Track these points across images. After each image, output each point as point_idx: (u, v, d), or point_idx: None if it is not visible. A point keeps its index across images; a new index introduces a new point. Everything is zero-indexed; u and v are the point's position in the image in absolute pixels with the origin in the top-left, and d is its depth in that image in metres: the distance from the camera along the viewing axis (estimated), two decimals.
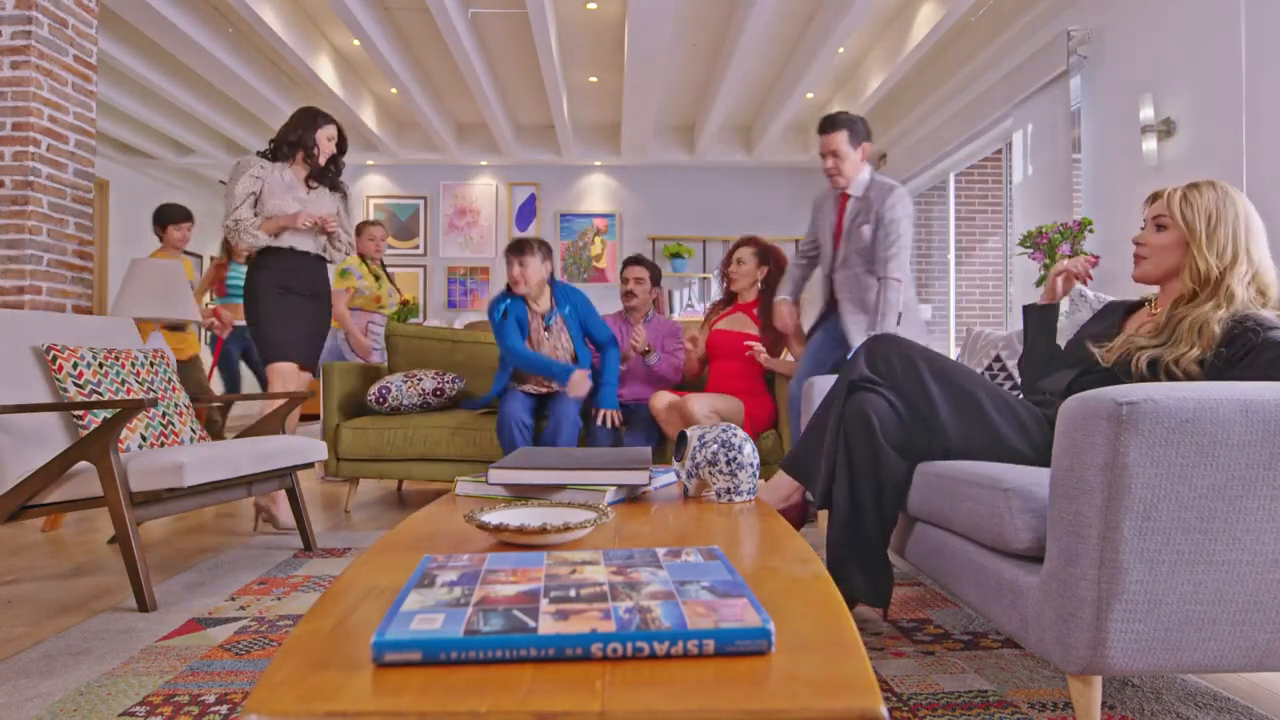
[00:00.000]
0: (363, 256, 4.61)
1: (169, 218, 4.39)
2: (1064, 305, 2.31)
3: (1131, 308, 1.81)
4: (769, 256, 3.43)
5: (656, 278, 3.72)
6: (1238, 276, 1.51)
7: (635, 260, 3.70)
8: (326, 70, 5.72)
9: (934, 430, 1.68)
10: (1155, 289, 1.73)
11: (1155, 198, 1.66)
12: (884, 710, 0.59)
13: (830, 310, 3.14)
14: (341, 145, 3.23)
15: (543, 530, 1.05)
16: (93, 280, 3.63)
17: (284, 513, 3.00)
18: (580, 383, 3.22)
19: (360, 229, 4.56)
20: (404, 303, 5.05)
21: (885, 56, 5.58)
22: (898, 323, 2.87)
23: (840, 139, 2.96)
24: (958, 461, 1.61)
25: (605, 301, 7.17)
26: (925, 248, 6.89)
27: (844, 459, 1.70)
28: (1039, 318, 1.96)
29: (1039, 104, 4.64)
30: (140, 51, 5.41)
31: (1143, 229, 1.68)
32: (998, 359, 2.49)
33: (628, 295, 3.66)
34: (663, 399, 3.21)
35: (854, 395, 1.73)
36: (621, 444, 3.29)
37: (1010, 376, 2.43)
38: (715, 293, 7.65)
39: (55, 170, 3.42)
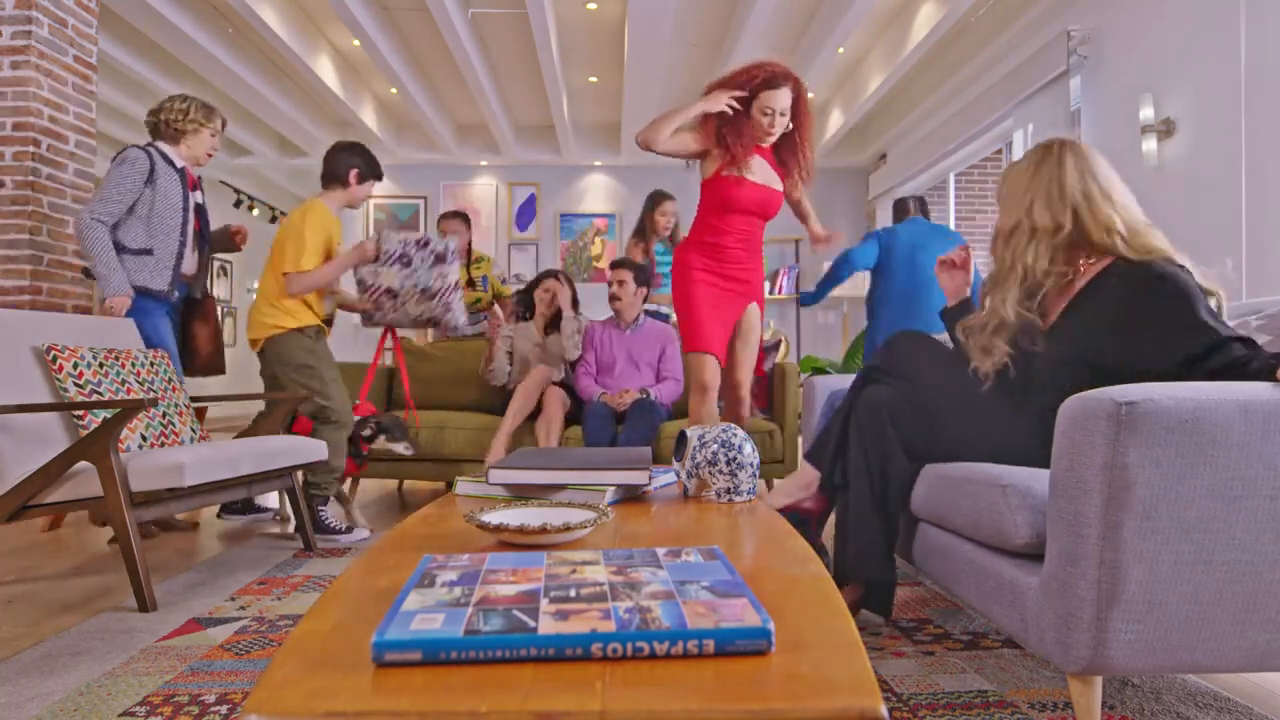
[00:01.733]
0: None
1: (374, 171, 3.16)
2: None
3: None
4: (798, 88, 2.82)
5: (643, 279, 3.64)
6: (1012, 243, 1.60)
7: (619, 263, 3.67)
8: (326, 70, 5.72)
9: (941, 428, 1.69)
10: None
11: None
12: (884, 710, 0.59)
13: None
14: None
15: (543, 530, 1.05)
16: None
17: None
18: None
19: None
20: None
21: (885, 56, 5.58)
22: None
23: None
24: (960, 463, 1.61)
25: (605, 302, 7.16)
26: None
27: (855, 448, 1.72)
28: (955, 318, 1.90)
29: (1039, 104, 4.64)
30: (140, 51, 5.41)
31: None
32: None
33: (613, 299, 3.63)
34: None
35: (867, 385, 1.75)
36: (616, 442, 3.28)
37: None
38: None
39: (55, 170, 3.42)
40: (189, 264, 2.99)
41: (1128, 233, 1.52)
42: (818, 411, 2.28)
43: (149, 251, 2.84)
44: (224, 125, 3.03)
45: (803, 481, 1.95)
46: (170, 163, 2.87)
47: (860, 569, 1.69)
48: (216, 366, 3.16)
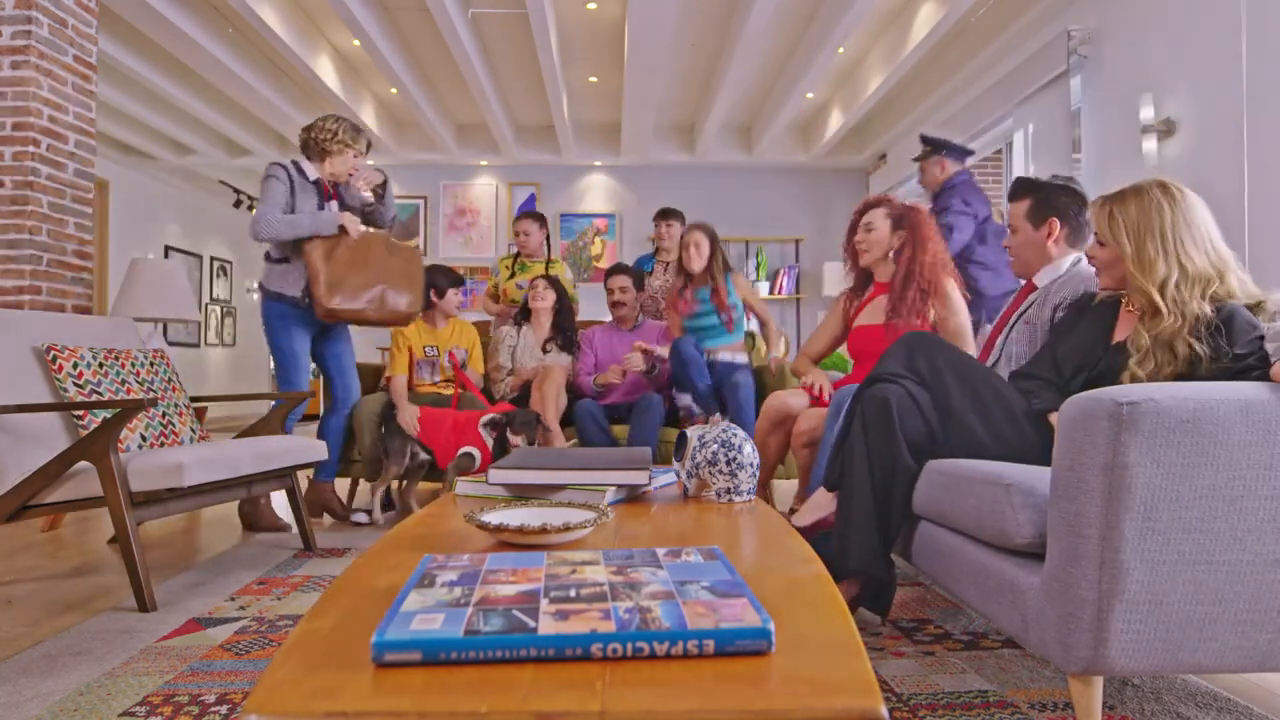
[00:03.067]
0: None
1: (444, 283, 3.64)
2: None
3: (1112, 306, 1.75)
4: (905, 219, 2.66)
5: (640, 283, 3.73)
6: (1172, 291, 1.48)
7: (618, 270, 3.69)
8: (326, 70, 5.72)
9: (955, 428, 1.70)
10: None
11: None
12: (884, 710, 0.59)
13: None
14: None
15: (543, 530, 1.05)
16: (93, 280, 3.63)
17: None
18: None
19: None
20: None
21: (885, 56, 5.58)
22: None
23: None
24: (963, 460, 1.61)
25: (605, 303, 7.15)
26: None
27: (859, 444, 1.72)
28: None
29: (1039, 104, 4.64)
30: (140, 51, 5.41)
31: (1089, 242, 1.69)
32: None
33: (616, 305, 3.64)
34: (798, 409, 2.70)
35: (875, 384, 1.75)
36: (616, 442, 3.28)
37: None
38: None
39: (55, 170, 3.42)
40: None
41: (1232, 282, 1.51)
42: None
43: (285, 260, 3.04)
44: (369, 148, 3.25)
45: (829, 497, 1.94)
46: (305, 175, 3.07)
47: (858, 564, 1.69)
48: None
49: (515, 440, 3.09)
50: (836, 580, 1.74)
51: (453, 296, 3.61)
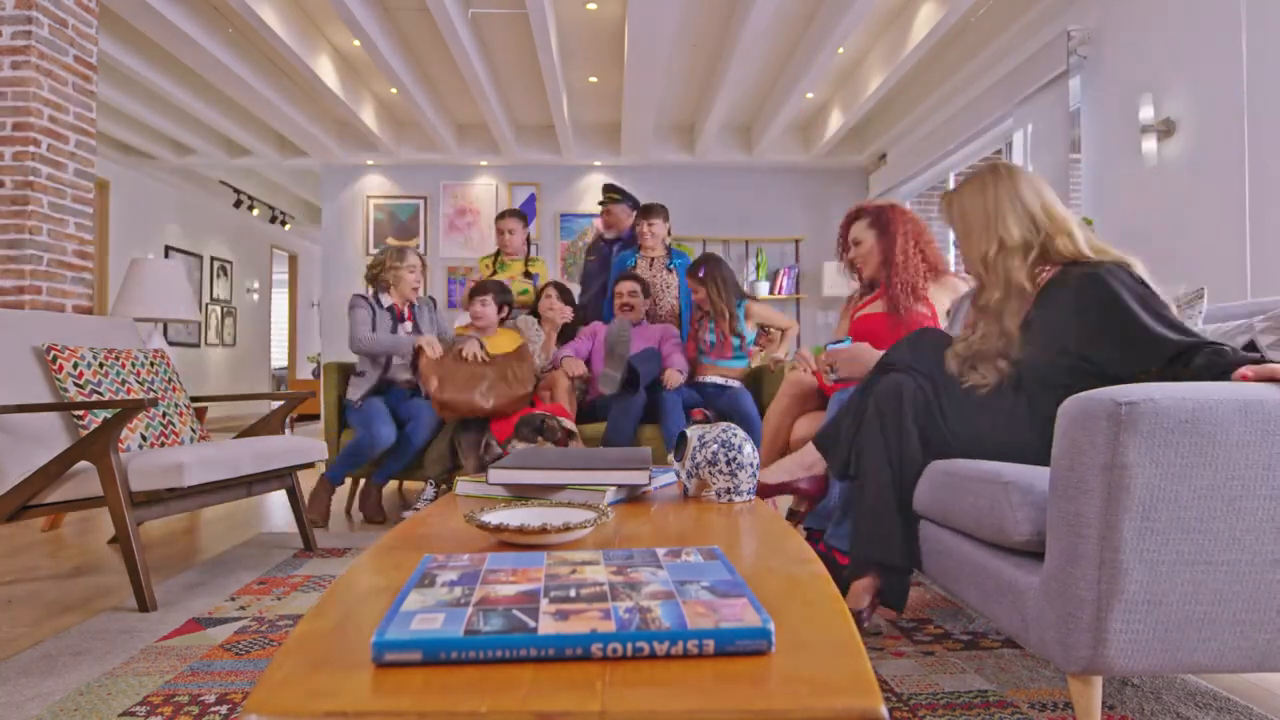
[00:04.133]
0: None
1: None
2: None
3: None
4: (883, 221, 2.68)
5: (647, 290, 3.83)
6: (991, 261, 1.65)
7: (628, 275, 3.79)
8: (326, 70, 5.72)
9: (954, 426, 1.70)
10: None
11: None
12: (884, 710, 0.59)
13: None
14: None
15: (543, 530, 1.05)
16: (93, 280, 3.63)
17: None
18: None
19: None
20: None
21: (885, 56, 5.58)
22: None
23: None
24: (963, 460, 1.61)
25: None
26: None
27: (875, 435, 1.72)
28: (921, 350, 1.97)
29: (1039, 104, 4.64)
30: (140, 51, 5.40)
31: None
32: None
33: (624, 309, 3.73)
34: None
35: (887, 374, 1.75)
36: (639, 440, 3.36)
37: None
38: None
39: (55, 170, 3.42)
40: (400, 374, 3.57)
41: (1084, 240, 1.61)
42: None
43: (362, 374, 3.52)
44: (421, 261, 3.65)
45: (805, 462, 1.95)
46: (379, 303, 3.54)
47: (883, 555, 1.68)
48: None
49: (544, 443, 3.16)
50: (852, 580, 1.75)
51: (480, 308, 3.73)
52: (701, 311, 3.63)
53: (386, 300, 3.57)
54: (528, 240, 4.44)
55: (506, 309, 3.82)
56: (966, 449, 1.67)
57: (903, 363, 1.76)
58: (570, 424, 3.22)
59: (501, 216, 4.36)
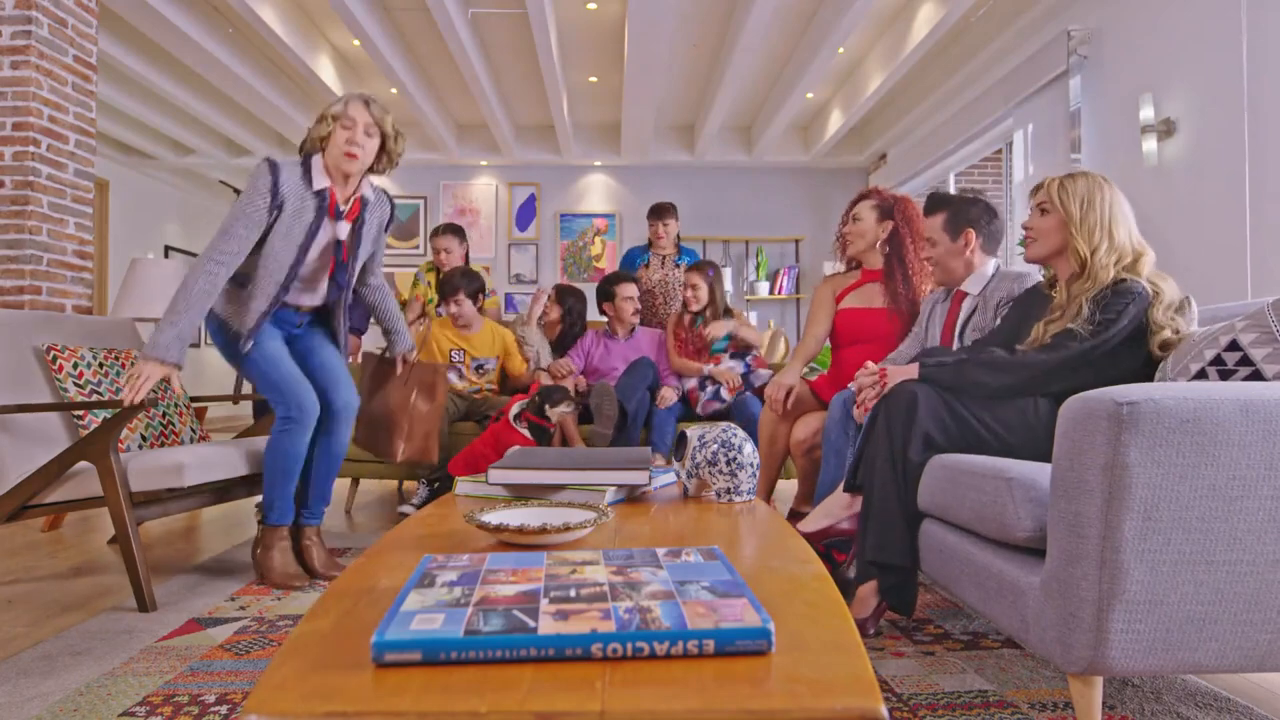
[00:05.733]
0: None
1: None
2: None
3: (1048, 288, 1.93)
4: (893, 211, 2.75)
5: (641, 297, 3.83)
6: (1100, 257, 1.71)
7: (627, 279, 3.74)
8: (326, 70, 5.72)
9: (961, 424, 1.72)
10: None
11: (1039, 188, 1.85)
12: (884, 710, 0.59)
13: None
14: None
15: (543, 530, 1.05)
16: (93, 280, 3.63)
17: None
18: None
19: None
20: None
21: (885, 56, 5.58)
22: None
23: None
24: (966, 455, 1.61)
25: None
26: None
27: (883, 438, 1.73)
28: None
29: (1039, 104, 4.64)
30: (140, 51, 5.40)
31: (1029, 215, 1.87)
32: None
33: (626, 302, 3.69)
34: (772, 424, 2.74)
35: (901, 384, 1.77)
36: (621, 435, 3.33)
37: None
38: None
39: (55, 170, 3.42)
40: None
41: (1149, 266, 1.75)
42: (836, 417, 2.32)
43: (245, 290, 2.41)
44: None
45: (845, 501, 1.93)
46: (308, 182, 2.22)
47: (885, 556, 1.69)
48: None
49: (554, 412, 3.10)
50: (857, 587, 1.75)
51: (455, 309, 3.49)
52: (692, 314, 3.56)
53: (318, 178, 2.14)
54: (466, 257, 4.03)
55: (480, 296, 3.53)
56: (974, 449, 1.68)
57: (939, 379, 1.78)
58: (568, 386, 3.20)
59: (436, 233, 3.97)
